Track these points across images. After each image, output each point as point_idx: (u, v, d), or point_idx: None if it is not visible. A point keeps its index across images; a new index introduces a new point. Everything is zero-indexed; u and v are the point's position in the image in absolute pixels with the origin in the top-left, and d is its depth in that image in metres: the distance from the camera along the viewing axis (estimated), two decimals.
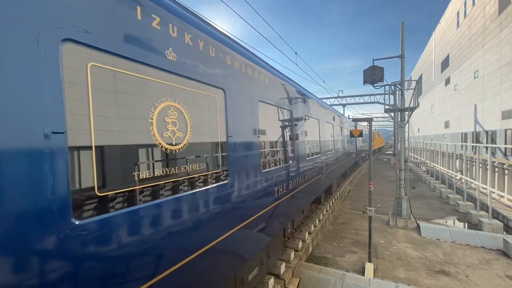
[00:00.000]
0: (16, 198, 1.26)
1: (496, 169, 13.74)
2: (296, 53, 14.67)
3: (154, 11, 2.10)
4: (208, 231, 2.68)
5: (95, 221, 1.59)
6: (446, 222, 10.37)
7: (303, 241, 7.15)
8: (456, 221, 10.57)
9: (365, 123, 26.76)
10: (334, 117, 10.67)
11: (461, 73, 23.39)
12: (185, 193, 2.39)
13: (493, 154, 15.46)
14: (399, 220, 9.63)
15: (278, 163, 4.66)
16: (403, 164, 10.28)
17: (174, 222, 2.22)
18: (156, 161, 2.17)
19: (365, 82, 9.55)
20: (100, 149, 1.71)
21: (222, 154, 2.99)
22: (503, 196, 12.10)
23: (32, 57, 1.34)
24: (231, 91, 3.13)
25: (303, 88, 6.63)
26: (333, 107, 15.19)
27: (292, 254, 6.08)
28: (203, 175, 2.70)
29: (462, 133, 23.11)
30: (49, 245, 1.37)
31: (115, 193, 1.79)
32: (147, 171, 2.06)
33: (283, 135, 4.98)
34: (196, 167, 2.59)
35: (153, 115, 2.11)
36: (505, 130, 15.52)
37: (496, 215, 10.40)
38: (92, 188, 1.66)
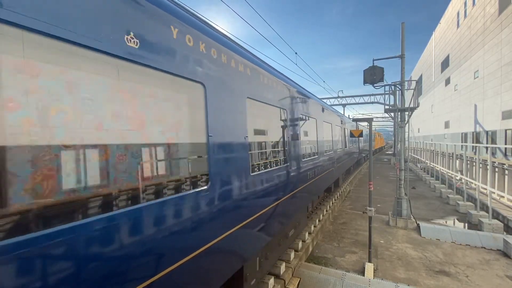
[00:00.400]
0: None
1: (496, 169, 13.73)
2: (296, 53, 14.67)
3: None
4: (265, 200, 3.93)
5: None
6: (446, 222, 10.37)
7: (303, 241, 7.14)
8: (456, 221, 10.57)
9: (367, 124, 26.97)
10: (341, 121, 12.49)
11: (461, 73, 23.38)
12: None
13: (493, 154, 15.45)
14: (399, 220, 9.63)
15: (310, 155, 6.80)
16: (403, 164, 10.28)
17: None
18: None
19: (365, 82, 9.55)
20: None
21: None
22: (503, 196, 12.09)
23: None
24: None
25: (319, 99, 8.89)
26: (333, 107, 15.50)
27: (292, 254, 6.07)
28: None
29: (462, 133, 23.11)
30: None
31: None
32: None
33: (317, 135, 7.50)
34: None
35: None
36: (505, 130, 15.51)
37: (496, 215, 10.40)
38: None
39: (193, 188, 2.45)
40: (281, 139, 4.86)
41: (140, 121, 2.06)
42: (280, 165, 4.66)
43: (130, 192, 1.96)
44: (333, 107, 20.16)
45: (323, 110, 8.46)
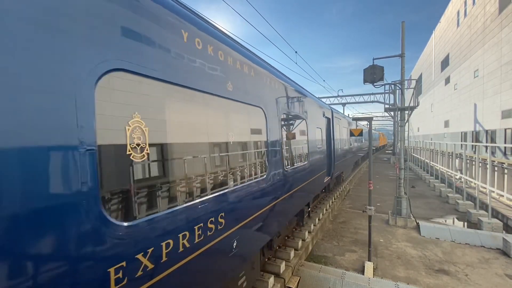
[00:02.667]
0: None
1: (496, 168, 13.75)
2: (296, 52, 14.65)
3: None
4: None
5: None
6: (445, 221, 10.39)
7: (303, 240, 7.15)
8: (455, 220, 10.59)
9: (369, 123, 27.35)
10: (353, 124, 16.19)
11: (461, 73, 23.38)
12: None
13: (492, 153, 15.47)
14: (398, 219, 9.64)
15: (347, 147, 12.42)
16: (402, 163, 10.28)
17: None
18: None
19: (365, 81, 9.54)
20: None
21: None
22: (502, 196, 12.11)
23: None
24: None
25: (338, 111, 12.38)
26: (331, 106, 16.00)
27: (292, 253, 6.08)
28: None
29: (462, 132, 23.13)
30: None
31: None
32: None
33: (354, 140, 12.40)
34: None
35: None
36: (505, 130, 15.53)
37: (495, 214, 10.42)
38: None
39: (262, 173, 3.95)
40: (305, 142, 6.50)
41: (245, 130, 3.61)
42: (304, 162, 6.25)
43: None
44: (333, 106, 21.02)
45: (338, 119, 11.51)
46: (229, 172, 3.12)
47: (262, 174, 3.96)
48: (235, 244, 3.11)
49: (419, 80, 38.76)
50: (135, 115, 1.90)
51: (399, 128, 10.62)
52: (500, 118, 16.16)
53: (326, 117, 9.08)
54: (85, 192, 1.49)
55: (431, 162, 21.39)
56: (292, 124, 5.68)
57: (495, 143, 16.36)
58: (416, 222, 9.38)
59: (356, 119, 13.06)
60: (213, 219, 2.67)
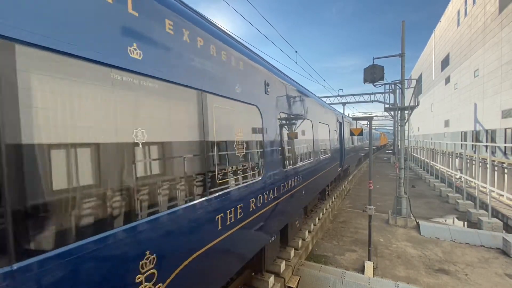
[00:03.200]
0: None
1: (496, 168, 13.75)
2: (296, 51, 14.64)
3: None
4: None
5: None
6: (445, 221, 10.39)
7: (303, 239, 7.16)
8: (455, 220, 10.59)
9: (369, 123, 27.60)
10: (356, 125, 18.73)
11: (461, 72, 23.37)
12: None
13: (492, 153, 15.47)
14: (398, 219, 9.65)
15: (352, 146, 15.03)
16: (403, 163, 10.28)
17: None
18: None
19: (365, 81, 9.53)
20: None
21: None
22: (502, 195, 12.11)
23: None
24: None
25: (348, 117, 13.34)
26: (332, 106, 16.41)
27: (292, 253, 6.08)
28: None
29: (462, 132, 23.13)
30: None
31: None
32: None
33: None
34: None
35: None
36: (505, 129, 15.53)
37: (495, 214, 10.42)
38: None
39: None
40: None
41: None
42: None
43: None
44: (333, 106, 21.73)
45: (342, 120, 12.58)
46: (293, 157, 5.41)
47: (310, 159, 6.69)
48: (289, 207, 5.21)
49: (419, 80, 38.74)
50: None
51: (399, 127, 10.62)
52: (500, 117, 16.16)
53: (338, 121, 11.51)
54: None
55: (431, 162, 21.39)
56: (322, 129, 8.27)
57: (495, 142, 16.35)
58: (416, 221, 9.38)
59: (356, 119, 13.08)
60: (285, 184, 4.86)
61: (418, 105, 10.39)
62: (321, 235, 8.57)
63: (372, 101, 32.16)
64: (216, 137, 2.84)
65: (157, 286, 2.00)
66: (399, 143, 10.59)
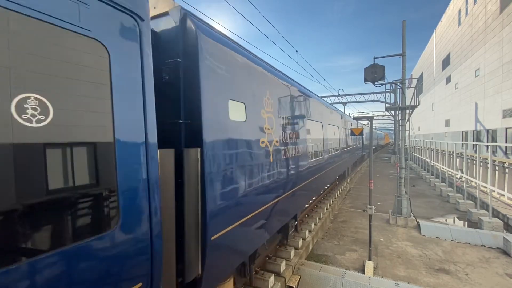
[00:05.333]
0: None
1: (497, 167, 13.73)
2: (297, 51, 14.63)
3: None
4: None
5: None
6: (446, 220, 10.38)
7: (303, 239, 7.16)
8: (456, 219, 10.58)
9: (369, 123, 28.17)
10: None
11: (462, 72, 23.31)
12: None
13: (493, 152, 15.44)
14: (399, 218, 9.64)
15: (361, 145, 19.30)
16: (403, 163, 10.27)
17: None
18: None
19: (366, 80, 9.53)
20: None
21: None
22: (503, 195, 12.09)
23: None
24: None
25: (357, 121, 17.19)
26: (333, 105, 16.88)
27: (293, 252, 6.09)
28: None
29: (462, 131, 23.08)
30: None
31: None
32: None
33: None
34: None
35: None
36: (506, 129, 15.49)
37: (496, 213, 10.41)
38: None
39: None
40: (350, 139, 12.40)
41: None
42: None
43: None
44: (334, 105, 22.25)
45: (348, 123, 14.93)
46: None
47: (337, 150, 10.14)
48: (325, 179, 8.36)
49: (420, 79, 38.67)
50: None
51: (400, 127, 10.61)
52: (501, 117, 16.11)
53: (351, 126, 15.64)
54: None
55: (432, 162, 21.36)
56: (348, 134, 13.45)
57: (496, 142, 16.32)
58: (416, 221, 9.38)
59: (357, 118, 13.09)
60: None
61: (418, 104, 10.37)
62: (321, 235, 8.58)
63: (373, 101, 32.13)
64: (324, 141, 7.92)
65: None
66: (399, 143, 10.59)
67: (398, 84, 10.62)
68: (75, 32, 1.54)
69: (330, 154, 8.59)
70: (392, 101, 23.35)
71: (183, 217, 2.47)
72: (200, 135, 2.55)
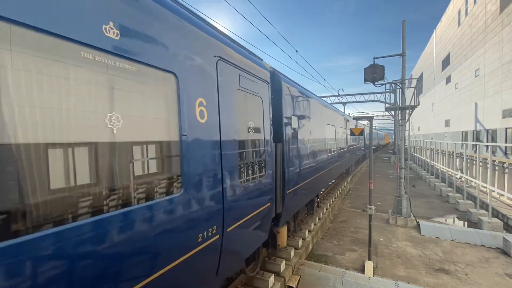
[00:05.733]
0: None
1: (496, 168, 13.74)
2: (297, 51, 14.63)
3: None
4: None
5: None
6: (446, 220, 10.39)
7: (303, 239, 7.16)
8: (456, 219, 10.59)
9: (369, 123, 28.18)
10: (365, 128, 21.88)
11: (462, 72, 23.32)
12: None
13: (493, 153, 15.45)
14: (399, 218, 9.65)
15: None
16: (403, 163, 10.28)
17: None
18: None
19: (365, 80, 9.53)
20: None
21: None
22: (503, 195, 12.10)
23: None
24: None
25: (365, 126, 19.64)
26: (333, 105, 17.18)
27: (292, 252, 6.09)
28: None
29: (462, 131, 23.10)
30: None
31: None
32: None
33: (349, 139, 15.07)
34: None
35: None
36: (506, 129, 15.50)
37: (496, 213, 10.42)
38: None
39: None
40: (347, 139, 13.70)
41: None
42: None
43: None
44: (334, 105, 22.69)
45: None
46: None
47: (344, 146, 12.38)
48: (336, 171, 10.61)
49: (419, 79, 38.67)
50: None
51: (400, 127, 10.61)
52: (500, 117, 16.13)
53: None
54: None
55: (432, 162, 21.37)
56: (356, 137, 16.32)
57: (496, 142, 16.33)
58: (416, 221, 9.38)
59: (357, 118, 13.11)
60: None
61: (418, 104, 10.38)
62: (321, 235, 8.58)
63: (373, 101, 32.13)
64: (344, 142, 12.07)
65: None
66: (399, 143, 10.59)
67: (398, 84, 10.63)
68: (257, 95, 3.68)
69: (340, 151, 11.07)
70: (392, 101, 23.36)
71: (276, 179, 4.46)
72: (282, 137, 4.76)
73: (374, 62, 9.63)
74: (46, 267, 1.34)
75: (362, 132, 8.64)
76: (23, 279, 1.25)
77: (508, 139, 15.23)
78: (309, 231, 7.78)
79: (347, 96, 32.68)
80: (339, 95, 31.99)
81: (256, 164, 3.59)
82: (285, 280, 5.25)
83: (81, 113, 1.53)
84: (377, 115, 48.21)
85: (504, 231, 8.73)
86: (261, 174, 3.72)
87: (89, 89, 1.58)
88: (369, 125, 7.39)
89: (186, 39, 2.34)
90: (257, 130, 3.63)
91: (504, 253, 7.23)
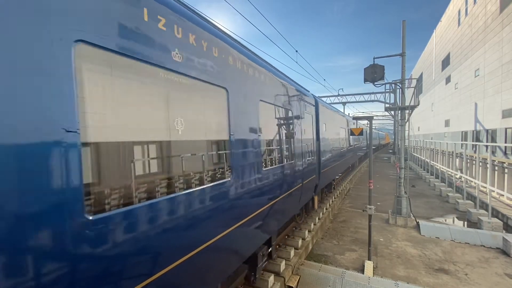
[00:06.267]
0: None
1: (496, 168, 13.74)
2: (297, 51, 14.62)
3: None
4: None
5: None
6: (445, 220, 10.39)
7: (303, 239, 7.16)
8: (455, 219, 10.59)
9: (369, 122, 28.47)
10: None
11: (462, 72, 23.32)
12: None
13: (493, 153, 15.45)
14: (398, 218, 9.65)
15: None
16: (403, 163, 10.28)
17: None
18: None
19: (365, 80, 9.52)
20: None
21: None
22: (502, 195, 12.10)
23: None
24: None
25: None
26: (333, 105, 17.87)
27: (292, 252, 6.09)
28: None
29: (462, 131, 23.10)
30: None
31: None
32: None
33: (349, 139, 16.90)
34: None
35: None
36: (505, 129, 15.50)
37: (495, 213, 10.42)
38: None
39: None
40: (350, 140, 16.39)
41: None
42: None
43: None
44: (333, 105, 23.38)
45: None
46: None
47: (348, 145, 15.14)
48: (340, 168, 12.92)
49: (419, 79, 38.68)
50: None
51: (399, 127, 10.61)
52: (500, 117, 16.13)
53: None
54: None
55: (431, 162, 21.37)
56: (360, 139, 20.46)
57: (496, 142, 16.34)
58: (416, 221, 9.38)
59: (357, 118, 13.14)
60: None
61: (418, 104, 10.38)
62: (321, 235, 8.58)
63: (373, 101, 32.10)
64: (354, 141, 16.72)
65: None
66: (399, 143, 10.59)
67: (398, 84, 10.63)
68: (311, 115, 7.34)
69: (348, 148, 14.23)
70: (392, 101, 23.36)
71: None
72: (318, 137, 7.98)
73: (374, 62, 9.63)
74: (149, 227, 1.96)
75: (361, 132, 8.96)
76: (135, 235, 1.86)
77: (507, 139, 15.23)
78: (309, 231, 7.78)
79: (347, 96, 32.64)
80: (339, 95, 31.97)
81: (311, 153, 7.01)
82: (285, 280, 5.24)
83: (156, 118, 2.19)
84: (377, 115, 48.20)
85: (504, 231, 8.74)
86: (313, 158, 7.23)
87: (165, 99, 2.27)
88: (369, 125, 7.39)
89: (301, 101, 6.28)
90: (309, 133, 6.96)
91: (504, 253, 7.23)
